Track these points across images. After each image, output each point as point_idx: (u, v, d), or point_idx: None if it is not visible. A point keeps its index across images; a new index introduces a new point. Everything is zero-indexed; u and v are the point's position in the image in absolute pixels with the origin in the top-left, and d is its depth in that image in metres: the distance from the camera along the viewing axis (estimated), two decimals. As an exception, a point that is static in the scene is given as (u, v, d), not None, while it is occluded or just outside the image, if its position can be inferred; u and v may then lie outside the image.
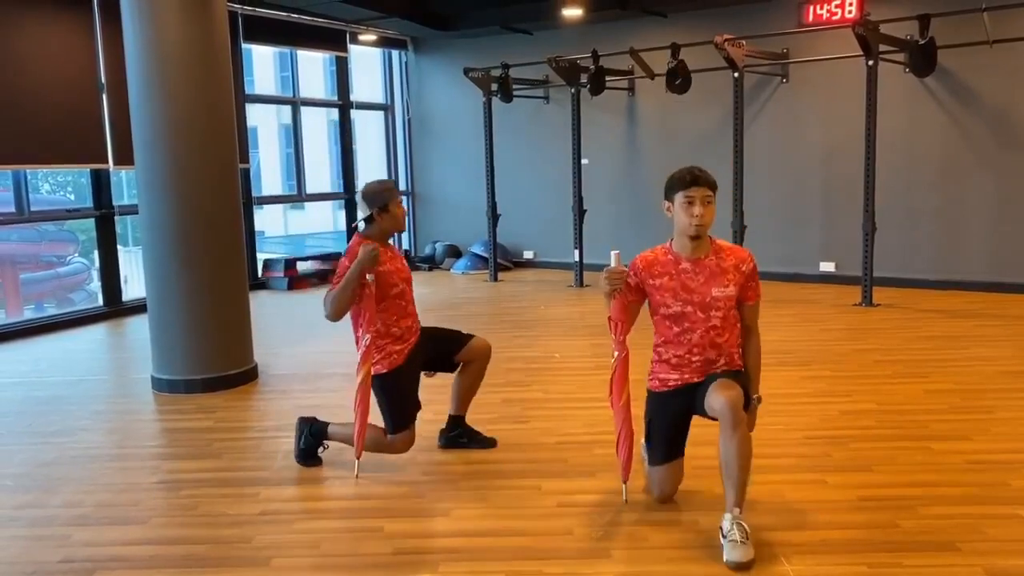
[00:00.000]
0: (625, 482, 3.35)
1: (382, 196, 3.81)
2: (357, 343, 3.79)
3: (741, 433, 2.94)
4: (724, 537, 2.91)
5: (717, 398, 2.99)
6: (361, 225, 3.86)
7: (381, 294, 3.75)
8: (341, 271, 3.71)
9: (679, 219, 3.13)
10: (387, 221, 3.83)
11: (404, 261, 4.01)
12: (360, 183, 10.93)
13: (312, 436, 3.94)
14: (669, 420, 3.29)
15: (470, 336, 4.04)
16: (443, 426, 4.13)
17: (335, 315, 3.69)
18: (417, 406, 3.88)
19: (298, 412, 4.13)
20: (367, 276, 3.66)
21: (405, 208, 3.93)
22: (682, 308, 3.17)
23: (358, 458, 3.78)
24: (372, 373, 3.75)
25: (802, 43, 8.51)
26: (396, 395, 3.81)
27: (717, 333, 3.16)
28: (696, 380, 3.21)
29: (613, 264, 3.16)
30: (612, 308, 3.23)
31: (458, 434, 4.10)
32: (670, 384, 3.26)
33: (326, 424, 3.96)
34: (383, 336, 3.78)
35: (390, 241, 3.97)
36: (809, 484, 3.55)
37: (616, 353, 3.26)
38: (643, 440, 3.46)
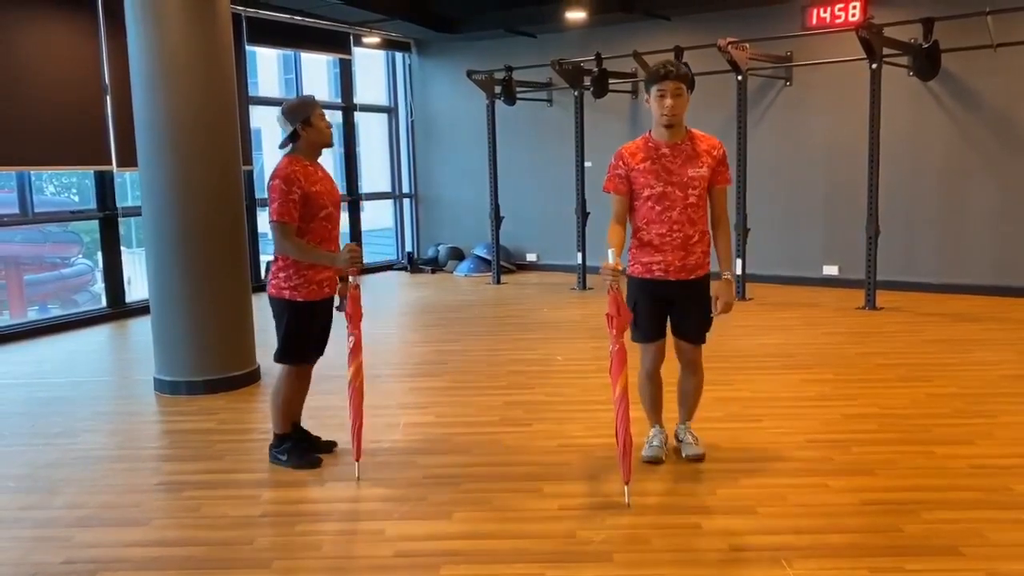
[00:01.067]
0: (627, 483, 3.35)
1: (303, 110, 3.74)
2: (275, 262, 3.75)
3: (698, 378, 3.79)
4: (680, 441, 3.85)
5: (686, 353, 3.72)
6: (288, 146, 3.76)
7: (308, 215, 3.69)
8: (278, 194, 3.60)
9: (653, 110, 3.52)
10: (312, 134, 3.74)
11: (334, 183, 3.93)
12: (363, 185, 10.95)
13: (291, 443, 3.96)
14: (651, 305, 3.65)
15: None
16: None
17: (282, 257, 3.70)
18: (317, 350, 3.89)
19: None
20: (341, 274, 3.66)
21: (329, 122, 3.86)
22: (663, 188, 3.53)
23: (357, 460, 3.78)
24: (286, 298, 3.72)
25: (806, 46, 8.50)
26: (300, 328, 3.78)
27: (694, 210, 3.55)
28: (674, 270, 3.55)
29: (611, 260, 3.29)
30: (609, 304, 3.30)
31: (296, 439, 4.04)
32: (653, 270, 3.60)
33: (286, 432, 3.97)
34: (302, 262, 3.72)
35: (319, 161, 3.87)
36: (811, 488, 3.54)
37: (612, 347, 3.31)
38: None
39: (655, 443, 3.85)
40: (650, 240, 3.59)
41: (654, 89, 3.48)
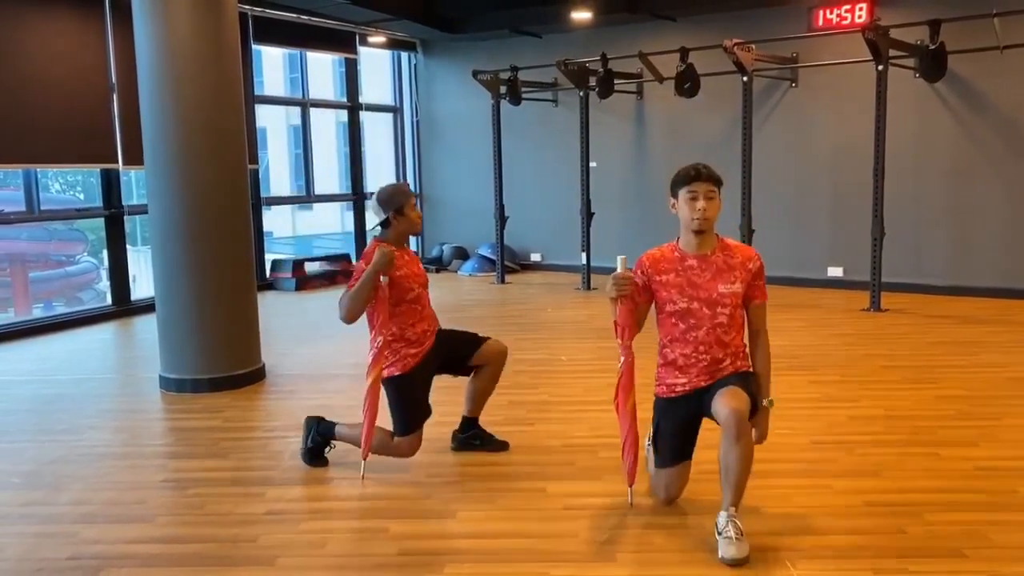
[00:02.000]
0: (631, 486, 3.35)
1: (397, 199, 3.80)
2: (371, 345, 3.79)
3: (744, 443, 2.98)
4: (720, 534, 2.97)
5: (723, 407, 2.99)
6: (378, 230, 3.85)
7: (397, 298, 3.75)
8: (357, 274, 3.71)
9: (683, 214, 3.16)
10: (403, 224, 3.82)
11: (420, 265, 4.00)
12: (368, 185, 10.96)
13: (320, 435, 3.96)
14: (676, 426, 3.27)
15: (485, 339, 4.02)
16: (456, 428, 4.12)
17: (349, 316, 3.68)
18: (427, 412, 3.87)
19: (305, 412, 4.14)
20: (381, 279, 3.66)
21: (420, 211, 3.94)
22: (688, 304, 3.17)
23: (364, 459, 3.78)
24: (385, 376, 3.76)
25: (812, 47, 8.49)
26: (407, 398, 3.80)
27: (723, 331, 3.16)
28: (703, 384, 3.19)
29: (619, 269, 3.18)
30: (618, 313, 3.23)
31: (471, 436, 4.08)
32: (677, 390, 3.24)
33: (334, 424, 3.96)
34: (397, 340, 3.78)
35: (406, 245, 3.97)
36: (816, 489, 3.54)
37: (622, 358, 3.26)
38: (647, 442, 3.48)
39: None
40: (674, 360, 3.23)
41: (684, 191, 3.13)
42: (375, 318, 3.75)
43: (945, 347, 6.14)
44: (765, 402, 3.18)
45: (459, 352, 3.98)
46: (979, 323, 6.97)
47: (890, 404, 4.73)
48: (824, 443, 4.12)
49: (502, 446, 4.09)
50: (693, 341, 3.18)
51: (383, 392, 3.80)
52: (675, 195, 3.18)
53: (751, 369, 3.25)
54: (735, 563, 2.89)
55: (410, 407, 3.81)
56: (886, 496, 3.46)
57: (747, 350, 3.26)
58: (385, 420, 3.84)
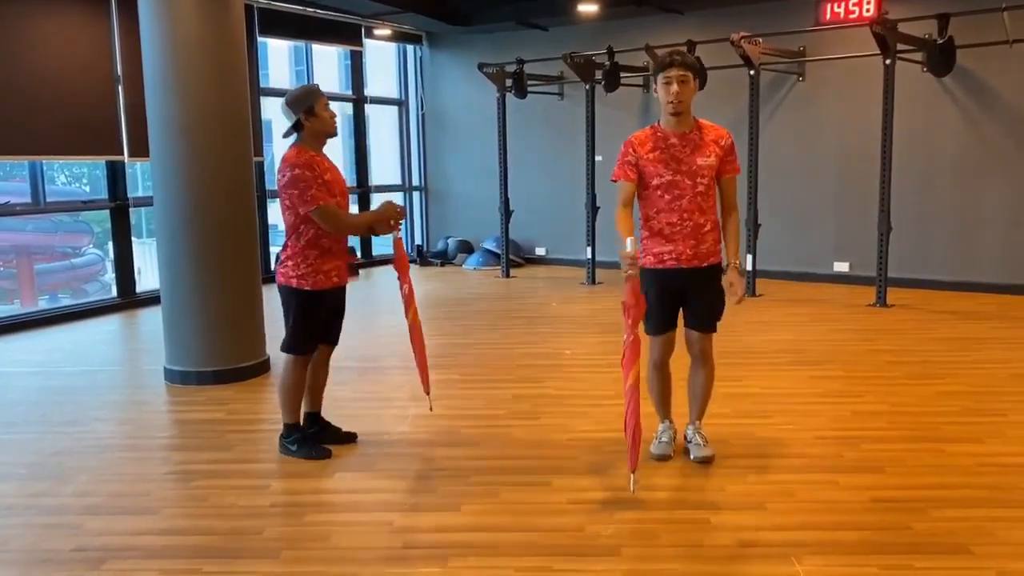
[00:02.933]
0: (633, 471, 3.33)
1: (307, 99, 3.72)
2: (284, 251, 3.76)
3: (707, 370, 3.74)
4: (689, 442, 3.79)
5: (694, 344, 3.70)
6: (293, 136, 3.76)
7: None
8: (307, 181, 3.60)
9: (661, 98, 3.55)
10: (316, 124, 3.73)
11: (340, 172, 3.92)
12: (373, 178, 10.96)
13: (300, 434, 3.98)
14: (662, 295, 3.62)
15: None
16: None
17: (338, 234, 3.74)
18: (325, 338, 3.89)
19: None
20: (378, 230, 3.72)
21: (333, 112, 3.84)
22: (672, 176, 3.55)
23: (427, 393, 4.00)
24: (293, 286, 3.73)
25: (819, 41, 8.46)
26: (307, 317, 3.78)
27: (703, 198, 3.56)
28: (687, 258, 3.56)
29: (628, 249, 3.28)
30: (627, 292, 3.30)
31: (317, 430, 4.04)
32: (665, 259, 3.59)
33: (295, 422, 3.98)
34: (311, 246, 3.73)
35: (324, 151, 3.86)
36: (820, 484, 3.53)
37: (626, 337, 3.30)
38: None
39: (663, 439, 3.84)
40: (660, 229, 3.59)
41: (660, 77, 3.52)
42: (298, 225, 3.69)
43: (951, 343, 6.12)
44: (735, 262, 3.59)
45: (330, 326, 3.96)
46: (985, 319, 6.94)
47: (895, 400, 4.72)
48: (829, 439, 4.11)
49: (349, 437, 4.05)
50: (678, 209, 3.55)
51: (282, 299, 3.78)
52: (655, 80, 3.57)
53: (721, 258, 3.67)
54: (706, 461, 3.68)
55: (306, 327, 3.79)
56: (891, 492, 3.45)
57: (720, 216, 3.66)
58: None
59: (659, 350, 3.76)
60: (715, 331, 3.72)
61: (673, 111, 3.51)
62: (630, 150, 3.61)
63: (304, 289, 3.75)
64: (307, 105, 3.71)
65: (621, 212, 3.56)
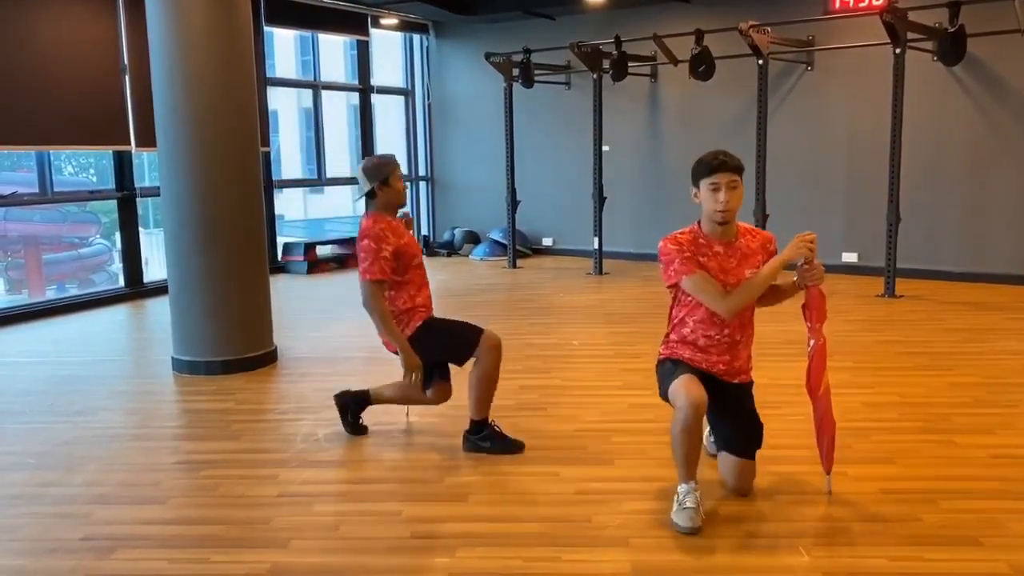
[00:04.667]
0: (828, 473, 3.27)
1: (382, 170, 3.79)
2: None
3: (743, 494, 3.32)
4: (706, 439, 3.51)
5: (736, 475, 3.30)
6: (362, 202, 3.84)
7: (403, 267, 3.76)
8: (369, 253, 3.67)
9: (706, 206, 3.15)
10: (388, 194, 3.80)
11: (414, 238, 4.00)
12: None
13: (356, 404, 4.05)
14: (693, 371, 3.20)
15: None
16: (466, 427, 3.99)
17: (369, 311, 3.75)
18: (447, 359, 3.92)
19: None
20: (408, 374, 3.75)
21: (404, 183, 3.93)
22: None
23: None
24: (411, 334, 3.77)
25: (828, 30, 8.40)
26: (446, 328, 3.87)
27: (748, 312, 3.26)
28: (719, 372, 3.25)
29: (805, 234, 3.14)
30: (808, 296, 3.20)
31: (481, 436, 3.91)
32: (695, 364, 3.24)
33: (367, 391, 4.04)
34: (406, 311, 3.80)
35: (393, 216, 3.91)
36: (831, 479, 3.51)
37: (812, 341, 3.20)
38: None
39: (688, 504, 3.04)
40: (695, 340, 3.25)
41: (706, 182, 3.11)
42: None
43: (960, 334, 6.09)
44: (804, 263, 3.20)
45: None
46: (995, 309, 6.90)
47: (905, 391, 4.70)
48: (838, 430, 4.05)
49: (517, 447, 3.87)
50: (718, 324, 3.21)
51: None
52: (696, 184, 3.16)
53: (751, 378, 3.39)
54: (715, 455, 3.43)
55: (456, 330, 3.86)
56: (901, 483, 3.43)
57: (753, 336, 3.36)
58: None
59: (689, 396, 3.02)
60: (754, 459, 3.30)
61: (721, 220, 3.14)
62: (683, 246, 3.16)
63: (420, 324, 3.82)
64: (383, 176, 3.78)
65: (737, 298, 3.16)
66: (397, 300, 3.79)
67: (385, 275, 3.70)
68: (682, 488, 3.08)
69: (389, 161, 3.88)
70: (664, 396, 3.23)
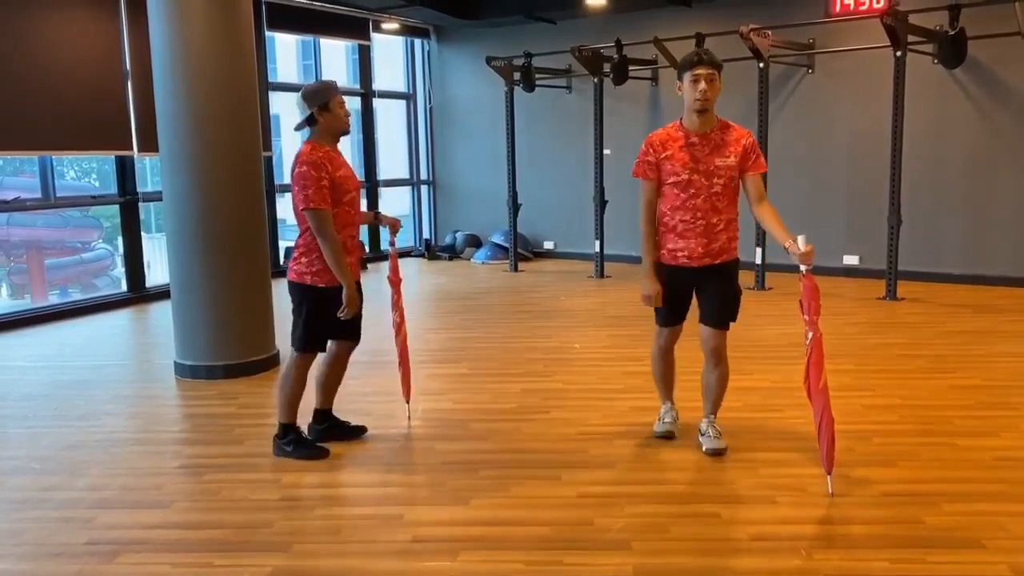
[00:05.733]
0: (829, 473, 3.31)
1: (322, 94, 3.71)
2: (297, 246, 3.75)
3: (721, 369, 3.75)
4: (702, 434, 3.82)
5: (707, 341, 3.71)
6: (306, 131, 3.75)
7: (334, 200, 3.67)
8: (309, 180, 3.58)
9: (687, 95, 3.55)
10: (329, 120, 3.71)
11: (352, 168, 3.89)
12: (382, 172, 10.96)
13: (324, 421, 4.04)
14: (673, 292, 3.71)
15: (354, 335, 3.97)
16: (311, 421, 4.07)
17: (320, 241, 3.67)
18: (343, 334, 3.88)
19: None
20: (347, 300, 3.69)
21: (348, 109, 3.82)
22: (689, 176, 3.57)
23: (407, 401, 4.05)
24: (307, 283, 3.72)
25: (829, 33, 8.41)
26: (320, 315, 3.76)
27: (718, 198, 3.59)
28: (698, 256, 3.60)
29: (802, 246, 3.27)
30: (806, 290, 3.30)
31: (327, 427, 4.03)
32: (679, 257, 3.65)
33: (316, 411, 4.04)
34: None
35: (337, 147, 3.84)
36: (832, 478, 3.51)
37: (810, 334, 3.27)
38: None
39: (667, 419, 3.97)
40: (674, 226, 3.64)
41: (687, 75, 3.53)
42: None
43: (962, 336, 6.09)
44: (787, 245, 3.36)
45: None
46: (997, 312, 6.90)
47: (907, 393, 4.70)
48: (840, 432, 4.04)
49: (358, 431, 4.04)
50: (691, 208, 3.59)
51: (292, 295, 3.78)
52: (680, 79, 3.58)
53: (736, 255, 3.71)
54: (718, 453, 3.71)
55: (318, 324, 3.78)
56: (903, 486, 3.44)
57: (736, 215, 3.67)
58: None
59: (666, 338, 3.87)
60: (727, 328, 3.72)
61: (700, 108, 3.53)
62: (650, 150, 3.65)
63: (318, 286, 3.73)
64: (322, 100, 3.69)
65: (644, 212, 3.69)
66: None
67: (328, 204, 3.62)
68: (663, 408, 4.00)
69: (330, 86, 3.78)
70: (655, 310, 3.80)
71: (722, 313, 3.70)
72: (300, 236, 3.76)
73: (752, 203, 3.63)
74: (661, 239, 3.71)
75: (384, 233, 4.13)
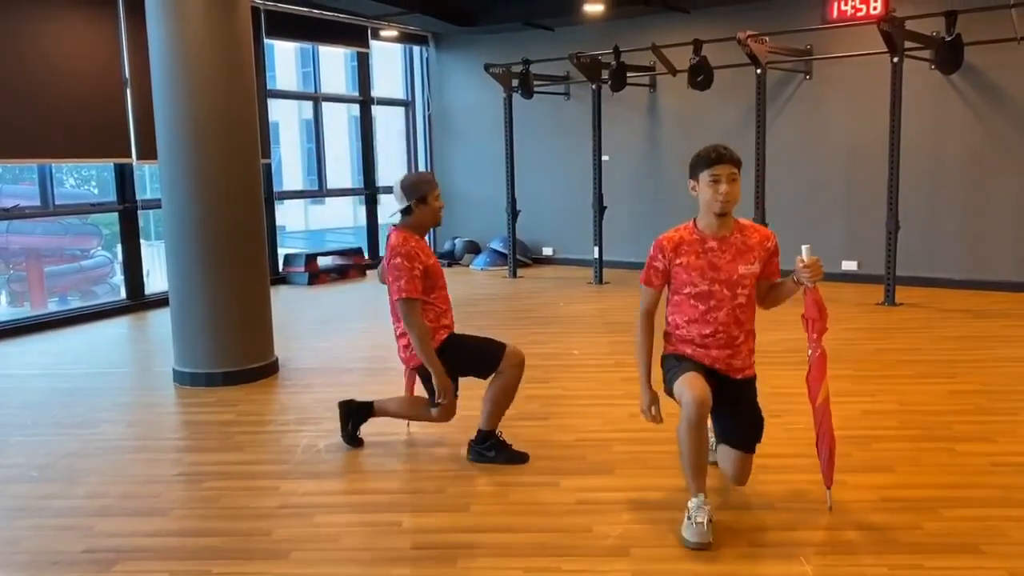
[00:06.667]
0: (828, 488, 3.25)
1: (421, 187, 3.79)
2: (402, 337, 3.83)
3: (740, 484, 3.39)
4: (711, 449, 3.39)
5: (735, 464, 3.33)
6: (397, 216, 3.84)
7: (430, 287, 3.78)
8: (403, 271, 3.65)
9: (705, 197, 3.14)
10: (425, 213, 3.80)
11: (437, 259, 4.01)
12: (380, 179, 10.97)
13: (359, 415, 4.05)
14: (695, 365, 3.21)
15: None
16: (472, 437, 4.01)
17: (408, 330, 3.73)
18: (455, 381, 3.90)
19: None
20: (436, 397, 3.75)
21: (442, 202, 3.91)
22: (709, 287, 3.18)
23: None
24: (435, 346, 3.77)
25: (826, 39, 8.43)
26: (469, 346, 3.88)
27: (742, 310, 3.21)
28: (718, 368, 3.23)
29: (806, 257, 3.12)
30: (807, 305, 3.18)
31: (486, 447, 3.93)
32: (700, 358, 3.25)
33: (371, 403, 4.05)
34: (433, 331, 3.79)
35: (424, 237, 3.94)
36: (831, 493, 3.51)
37: (811, 352, 3.19)
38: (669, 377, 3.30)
39: (699, 518, 2.99)
40: (691, 339, 3.24)
41: (705, 174, 3.10)
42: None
43: (961, 341, 6.10)
44: (801, 260, 3.12)
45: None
46: (995, 317, 6.91)
47: (905, 399, 4.70)
48: (839, 438, 4.03)
49: (522, 458, 3.88)
50: (713, 322, 3.20)
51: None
52: (695, 177, 3.16)
53: (754, 372, 3.35)
54: (715, 463, 3.46)
55: (481, 345, 3.87)
56: (901, 492, 3.43)
57: (754, 331, 3.31)
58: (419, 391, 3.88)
59: (692, 401, 2.99)
60: (754, 452, 3.34)
61: (720, 211, 3.12)
62: (659, 255, 3.23)
63: (444, 338, 3.82)
64: (421, 193, 3.77)
65: (642, 322, 3.29)
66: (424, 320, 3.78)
67: (419, 294, 3.70)
68: (693, 503, 3.04)
69: (429, 180, 3.86)
70: (669, 392, 3.22)
71: (754, 434, 3.33)
72: (398, 325, 3.84)
73: (767, 295, 3.33)
74: (674, 344, 3.31)
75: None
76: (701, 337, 3.22)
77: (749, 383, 3.33)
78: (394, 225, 3.86)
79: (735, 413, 3.30)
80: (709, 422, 3.26)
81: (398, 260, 3.69)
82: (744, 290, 3.19)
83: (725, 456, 3.37)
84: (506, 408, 3.90)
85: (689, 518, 3.02)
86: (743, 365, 3.29)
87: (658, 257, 3.24)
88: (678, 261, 3.20)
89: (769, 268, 3.25)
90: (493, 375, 3.86)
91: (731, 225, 3.21)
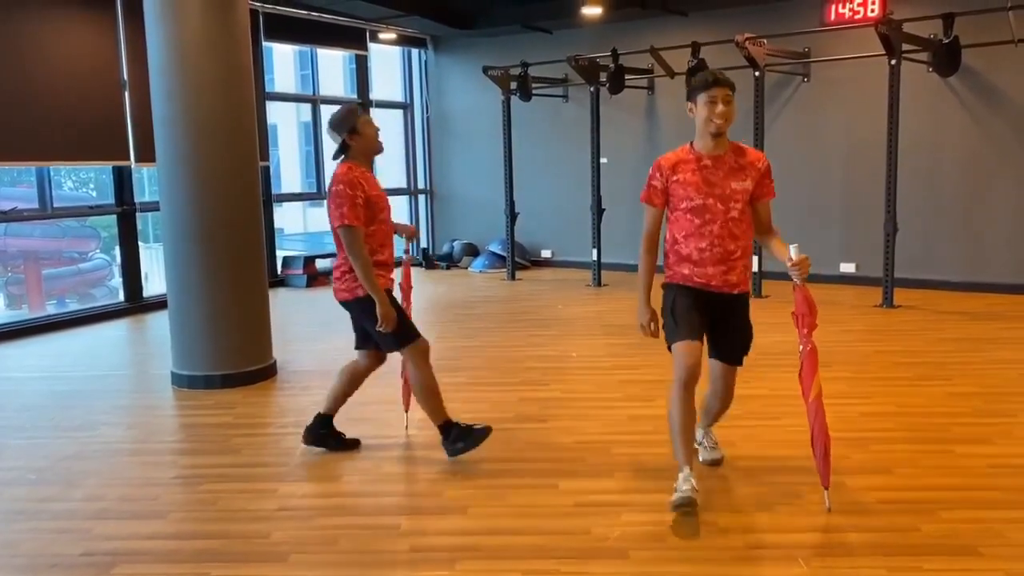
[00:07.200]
0: (826, 488, 3.27)
1: (349, 119, 3.78)
2: (337, 270, 3.80)
3: (727, 399, 3.57)
4: (698, 444, 3.71)
5: (721, 376, 3.50)
6: (340, 157, 3.81)
7: (370, 218, 3.74)
8: (344, 198, 3.63)
9: (701, 117, 3.31)
10: (360, 143, 3.79)
11: (382, 190, 3.96)
12: (379, 181, 10.95)
13: (324, 428, 4.05)
14: (691, 304, 3.38)
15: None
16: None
17: (351, 259, 3.69)
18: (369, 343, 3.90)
19: (316, 408, 4.14)
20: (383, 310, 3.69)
21: (377, 127, 3.89)
22: (704, 200, 3.34)
23: (407, 410, 4.05)
24: (362, 295, 3.72)
25: (824, 42, 8.45)
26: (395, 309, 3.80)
27: (735, 224, 3.36)
28: (715, 285, 3.36)
29: (794, 255, 3.20)
30: (797, 302, 3.24)
31: (452, 439, 3.95)
32: (694, 281, 3.39)
33: (318, 414, 4.04)
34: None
35: (371, 167, 3.92)
36: (828, 493, 3.51)
37: (802, 348, 3.24)
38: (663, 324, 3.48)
39: (684, 487, 3.17)
40: (688, 254, 3.37)
41: (703, 96, 3.27)
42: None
43: (959, 343, 6.10)
44: (790, 259, 3.23)
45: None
46: (993, 319, 6.92)
47: (903, 401, 4.70)
48: (836, 440, 4.05)
49: (486, 432, 3.93)
50: (708, 235, 3.35)
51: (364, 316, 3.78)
52: (693, 99, 3.33)
53: (748, 288, 3.49)
54: (713, 464, 3.69)
55: (402, 318, 3.79)
56: (899, 493, 3.44)
57: (763, 241, 3.48)
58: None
59: (688, 365, 3.24)
60: (741, 364, 3.51)
61: (716, 131, 3.28)
62: (658, 173, 3.40)
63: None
64: (349, 125, 3.76)
65: (645, 240, 3.42)
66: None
67: (361, 221, 3.67)
68: (680, 476, 3.22)
69: (352, 109, 3.85)
70: (669, 348, 3.38)
71: (741, 349, 3.49)
72: (339, 255, 3.80)
73: (761, 231, 3.46)
74: (670, 264, 3.45)
75: (399, 241, 4.16)
76: (698, 252, 3.36)
77: (743, 298, 3.47)
78: (341, 160, 3.82)
79: (728, 329, 3.46)
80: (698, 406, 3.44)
81: (340, 187, 3.68)
82: (737, 204, 3.34)
83: (713, 369, 3.51)
84: (440, 397, 3.90)
85: (676, 490, 3.19)
86: (738, 280, 3.42)
87: (656, 176, 3.40)
88: (675, 178, 3.37)
89: (761, 188, 3.41)
90: (407, 371, 3.88)
91: (726, 145, 3.38)
